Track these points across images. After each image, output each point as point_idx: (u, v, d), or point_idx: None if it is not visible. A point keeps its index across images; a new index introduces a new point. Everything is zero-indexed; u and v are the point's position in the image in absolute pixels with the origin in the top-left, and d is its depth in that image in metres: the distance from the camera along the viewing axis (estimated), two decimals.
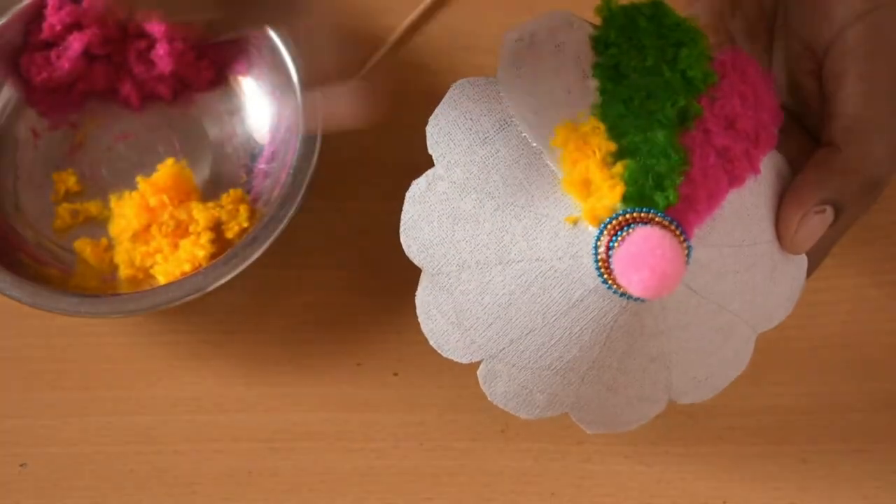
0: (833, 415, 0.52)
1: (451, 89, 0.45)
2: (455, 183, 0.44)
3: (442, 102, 0.45)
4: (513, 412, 0.47)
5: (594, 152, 0.42)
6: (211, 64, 0.57)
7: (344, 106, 0.45)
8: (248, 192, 0.56)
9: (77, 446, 0.53)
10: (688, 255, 0.40)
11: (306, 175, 0.52)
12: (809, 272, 0.47)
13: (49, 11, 0.56)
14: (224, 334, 0.55)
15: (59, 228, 0.56)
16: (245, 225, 0.54)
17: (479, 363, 0.45)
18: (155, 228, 0.54)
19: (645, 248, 0.39)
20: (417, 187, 0.45)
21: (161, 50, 0.56)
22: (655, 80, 0.43)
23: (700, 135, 0.43)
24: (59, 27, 0.56)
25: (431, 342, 0.46)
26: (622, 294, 0.40)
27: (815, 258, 0.47)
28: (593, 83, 0.44)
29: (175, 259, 0.53)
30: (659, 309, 0.42)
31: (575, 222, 0.42)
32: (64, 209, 0.56)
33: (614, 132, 0.42)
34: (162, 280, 0.53)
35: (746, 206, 0.43)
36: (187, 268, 0.53)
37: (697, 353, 0.45)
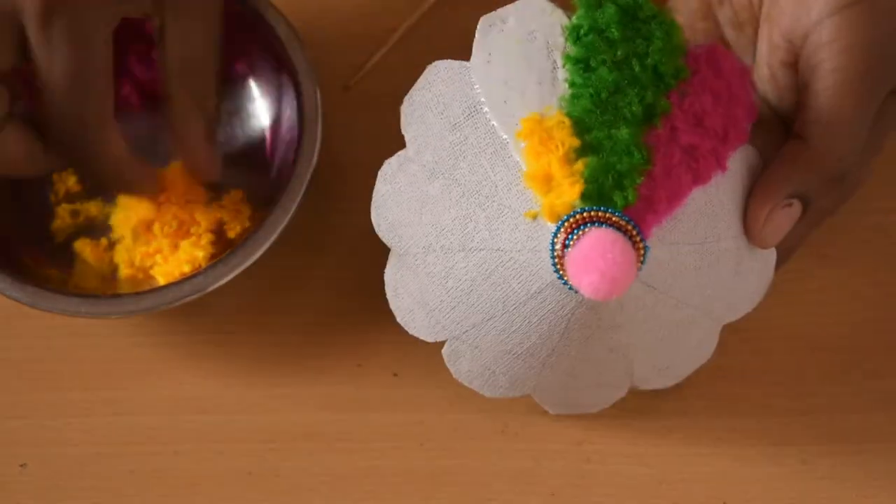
0: (833, 415, 0.52)
1: (427, 70, 0.45)
2: (424, 166, 0.44)
3: (417, 83, 0.45)
4: (477, 390, 0.48)
5: (558, 147, 0.42)
6: None
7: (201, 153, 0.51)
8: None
9: (77, 447, 0.53)
10: (644, 255, 0.41)
11: (306, 175, 0.52)
12: (779, 266, 0.47)
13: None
14: (224, 334, 0.55)
15: (59, 228, 0.56)
16: (247, 225, 0.54)
17: (444, 343, 0.46)
18: (157, 227, 0.54)
19: (595, 251, 0.39)
20: (389, 167, 0.46)
21: None
22: (625, 74, 0.43)
23: (666, 132, 0.43)
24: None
25: (398, 319, 0.47)
26: (577, 290, 0.41)
27: (784, 252, 0.48)
28: (563, 74, 0.43)
29: (175, 260, 0.53)
30: (616, 304, 0.43)
31: (534, 217, 0.42)
32: (64, 209, 0.56)
33: (580, 127, 0.42)
34: (161, 281, 0.53)
35: (713, 202, 0.44)
36: (187, 269, 0.53)
37: (657, 345, 0.46)
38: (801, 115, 0.45)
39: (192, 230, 0.54)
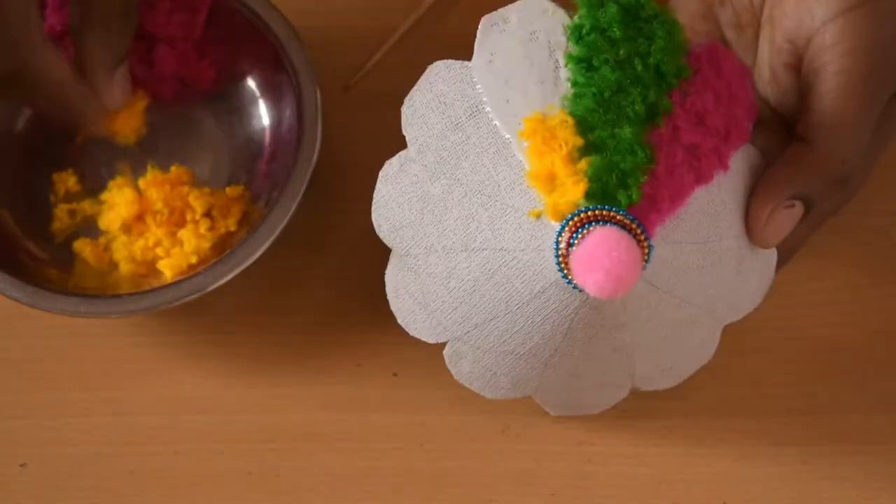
0: (833, 415, 0.52)
1: (428, 70, 0.45)
2: (426, 166, 0.44)
3: (418, 83, 0.45)
4: (478, 391, 0.48)
5: (561, 146, 0.42)
6: (211, 64, 0.57)
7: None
8: (248, 192, 0.56)
9: (77, 446, 0.53)
10: (648, 254, 0.41)
11: (306, 175, 0.52)
12: (779, 266, 0.47)
13: (49, 11, 0.55)
14: (224, 334, 0.55)
15: (59, 229, 0.55)
16: (245, 209, 0.54)
17: (445, 344, 0.46)
18: (149, 218, 0.54)
19: (601, 249, 0.39)
20: (390, 167, 0.45)
21: (162, 51, 0.56)
22: (627, 73, 0.43)
23: (669, 131, 0.43)
24: (59, 27, 0.55)
25: (399, 320, 0.47)
26: (582, 290, 0.41)
27: (785, 252, 0.48)
28: (565, 74, 0.43)
29: (180, 252, 0.53)
30: (620, 303, 0.43)
31: (538, 216, 0.42)
32: (62, 209, 0.56)
33: (583, 126, 0.42)
34: (168, 274, 0.53)
35: (715, 201, 0.44)
36: (194, 259, 0.53)
37: (660, 344, 0.46)
38: (804, 118, 0.45)
39: (188, 216, 0.54)
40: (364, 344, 0.54)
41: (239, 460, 0.53)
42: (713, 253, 0.44)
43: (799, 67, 0.46)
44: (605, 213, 0.40)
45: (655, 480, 0.51)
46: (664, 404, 0.52)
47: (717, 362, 0.50)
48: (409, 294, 0.46)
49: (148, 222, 0.54)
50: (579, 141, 0.42)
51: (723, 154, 0.44)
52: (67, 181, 0.56)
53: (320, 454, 0.53)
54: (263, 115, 0.57)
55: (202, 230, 0.53)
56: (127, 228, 0.54)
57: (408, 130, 0.45)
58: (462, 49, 0.45)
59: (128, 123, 0.55)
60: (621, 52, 0.43)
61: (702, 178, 0.43)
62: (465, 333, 0.45)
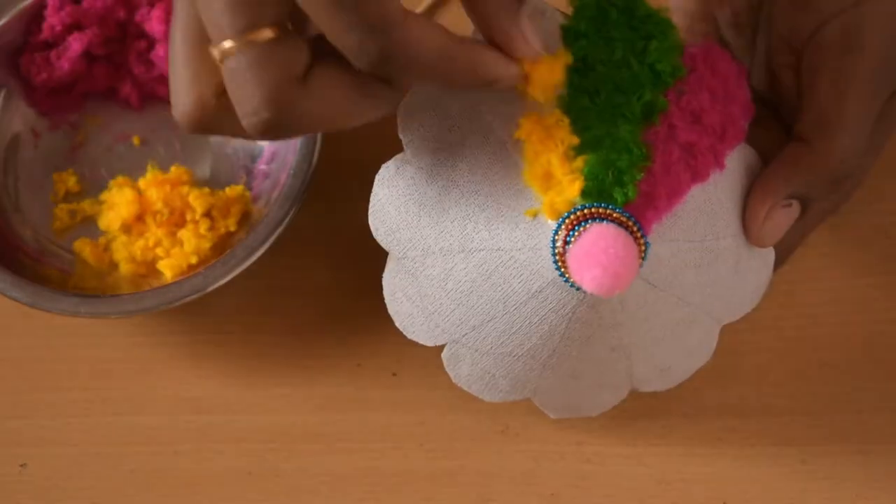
0: (833, 415, 0.52)
1: None
2: (422, 169, 0.44)
3: (414, 86, 0.45)
4: (476, 395, 0.48)
5: (557, 145, 0.42)
6: None
7: None
8: (249, 192, 0.56)
9: (77, 446, 0.53)
10: (645, 251, 0.41)
11: (306, 175, 0.52)
12: (777, 266, 0.47)
13: (49, 11, 0.56)
14: (224, 334, 0.55)
15: (59, 229, 0.56)
16: (245, 209, 0.54)
17: (444, 346, 0.46)
18: (149, 218, 0.54)
19: (598, 246, 0.39)
20: (387, 170, 0.45)
21: (161, 50, 0.56)
22: (623, 72, 0.43)
23: (665, 130, 0.43)
24: (59, 27, 0.55)
25: (397, 324, 0.47)
26: (579, 287, 0.41)
27: (783, 252, 0.48)
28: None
29: (180, 252, 0.53)
30: (617, 302, 0.42)
31: (534, 215, 0.42)
32: (62, 209, 0.56)
33: (579, 125, 0.42)
34: (168, 274, 0.53)
35: (711, 200, 0.44)
36: (194, 260, 0.53)
37: (658, 344, 0.46)
38: (802, 117, 0.45)
39: (188, 216, 0.54)
40: (364, 344, 0.54)
41: (239, 460, 0.53)
42: (710, 251, 0.44)
43: (797, 67, 0.46)
44: (601, 210, 0.40)
45: (654, 480, 0.51)
46: (663, 404, 0.52)
47: (716, 362, 0.50)
48: (406, 297, 0.46)
49: (148, 222, 0.54)
50: (575, 140, 0.42)
51: (719, 152, 0.44)
52: (67, 181, 0.56)
53: (320, 454, 0.53)
54: None
55: (202, 230, 0.53)
56: (127, 228, 0.54)
57: (404, 133, 0.45)
58: None
59: (549, 76, 0.42)
60: (617, 52, 0.43)
61: (698, 176, 0.43)
62: (464, 336, 0.45)
